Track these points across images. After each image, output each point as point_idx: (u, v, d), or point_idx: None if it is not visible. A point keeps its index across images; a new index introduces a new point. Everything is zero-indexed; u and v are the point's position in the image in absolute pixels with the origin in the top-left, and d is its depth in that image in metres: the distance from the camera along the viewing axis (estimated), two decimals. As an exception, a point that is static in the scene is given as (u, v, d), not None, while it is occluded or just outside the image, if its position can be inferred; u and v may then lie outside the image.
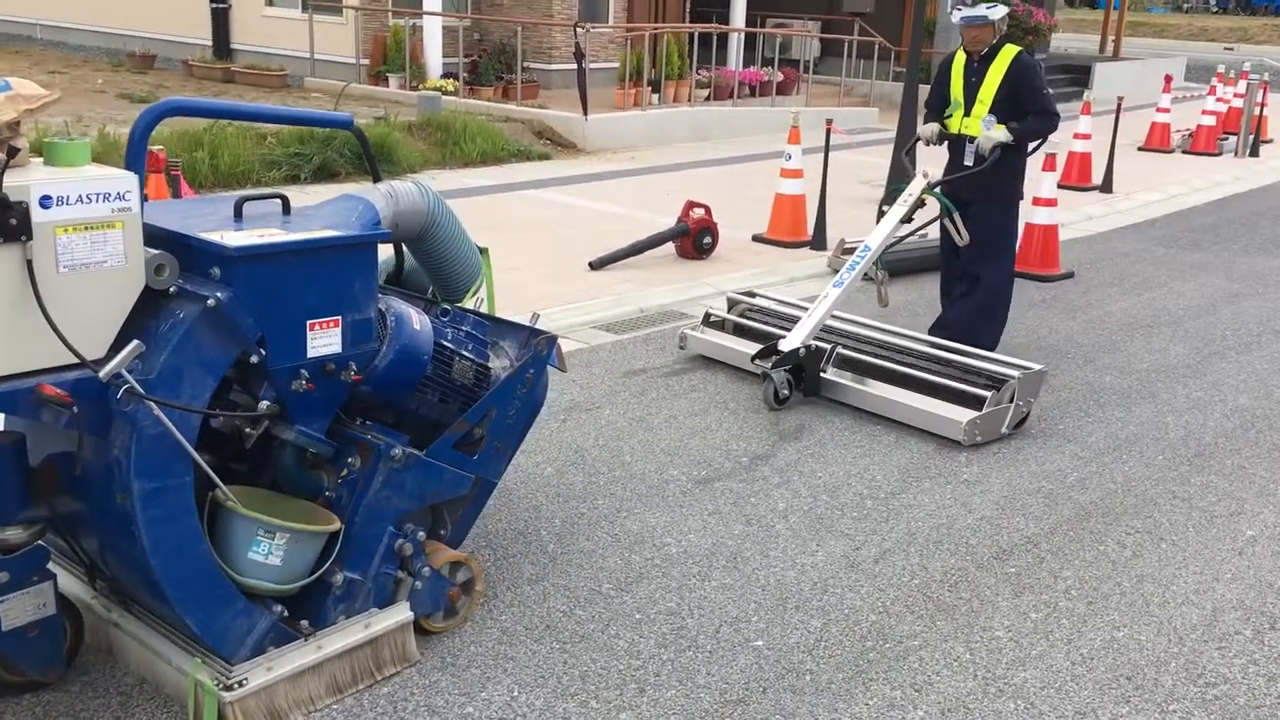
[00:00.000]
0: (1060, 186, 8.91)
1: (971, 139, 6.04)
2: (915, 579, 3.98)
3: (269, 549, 2.95)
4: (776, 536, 4.24)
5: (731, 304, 6.54)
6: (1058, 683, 3.40)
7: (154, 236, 2.88)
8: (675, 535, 4.21)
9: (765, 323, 6.24)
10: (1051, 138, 6.23)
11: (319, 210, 3.42)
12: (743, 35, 17.79)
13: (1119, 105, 12.60)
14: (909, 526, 4.38)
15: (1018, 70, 5.92)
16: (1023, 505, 4.61)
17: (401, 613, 3.28)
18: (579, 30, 13.55)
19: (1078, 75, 21.70)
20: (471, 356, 3.55)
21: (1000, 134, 5.88)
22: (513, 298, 7.17)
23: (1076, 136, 12.24)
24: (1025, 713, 3.24)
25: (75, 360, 2.64)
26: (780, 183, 9.15)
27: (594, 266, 8.05)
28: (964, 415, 5.10)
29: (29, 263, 2.56)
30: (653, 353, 6.34)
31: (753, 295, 6.54)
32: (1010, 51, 5.98)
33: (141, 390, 2.65)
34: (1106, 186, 12.06)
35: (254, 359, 2.91)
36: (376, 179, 3.67)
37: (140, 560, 2.79)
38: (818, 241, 8.94)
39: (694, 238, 8.38)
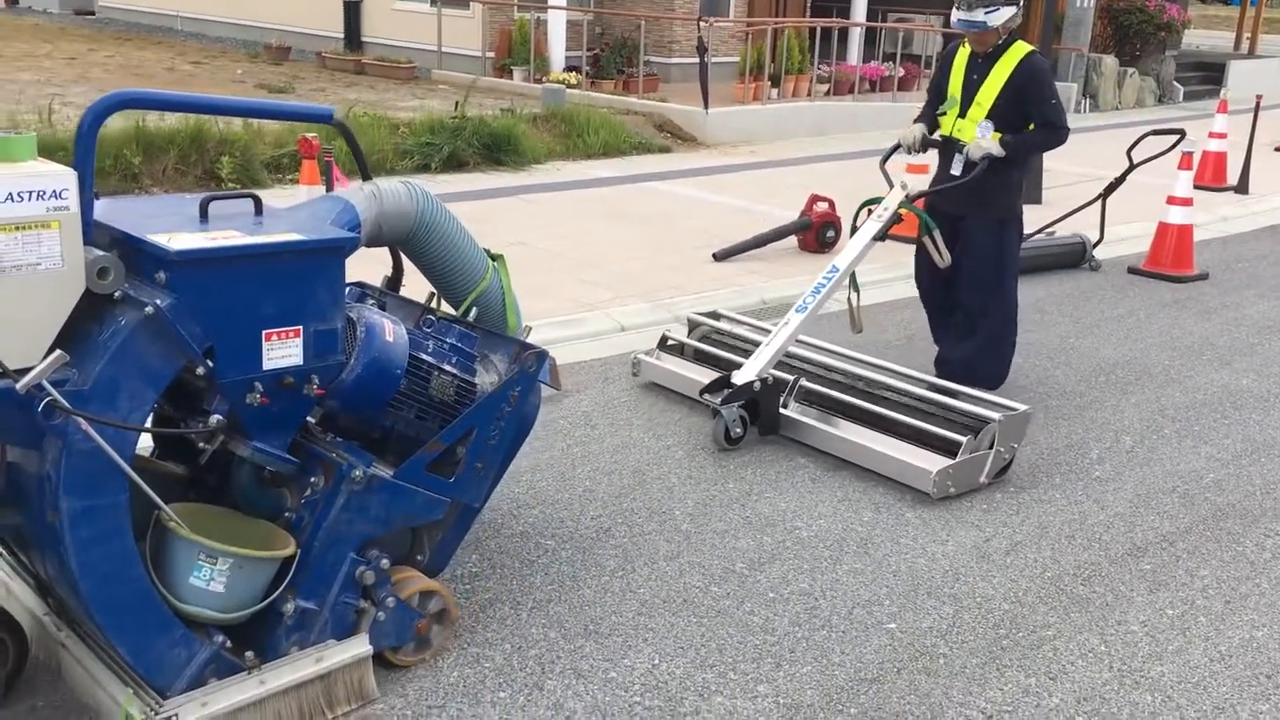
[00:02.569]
0: (1195, 186, 8.68)
1: (963, 146, 5.35)
2: (1048, 571, 3.99)
3: (210, 574, 2.75)
4: (906, 524, 4.29)
5: (692, 326, 5.87)
6: (1195, 678, 3.39)
7: (105, 236, 2.73)
8: (806, 520, 4.29)
9: (729, 349, 5.55)
10: (1189, 136, 5.91)
11: (295, 211, 3.26)
12: (864, 30, 17.66)
13: (1258, 104, 12.21)
14: (1040, 520, 4.38)
15: (1026, 74, 5.22)
16: (1157, 504, 4.57)
17: (359, 646, 3.02)
18: (701, 25, 13.63)
19: (1210, 73, 21.04)
20: (454, 371, 3.28)
21: (992, 146, 5.22)
22: (636, 287, 7.33)
23: (1212, 135, 11.91)
24: (1162, 705, 3.25)
25: None
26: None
27: (717, 258, 8.14)
28: (934, 464, 4.46)
29: None
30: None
31: (717, 317, 5.89)
32: (1020, 50, 5.28)
33: (66, 403, 2.47)
34: (1242, 187, 11.72)
35: (200, 370, 2.70)
36: (366, 177, 3.45)
37: (70, 582, 2.62)
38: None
39: (817, 231, 8.42)
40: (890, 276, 7.58)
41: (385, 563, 3.07)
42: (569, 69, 15.15)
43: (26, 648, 3.00)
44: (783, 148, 13.39)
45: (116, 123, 9.29)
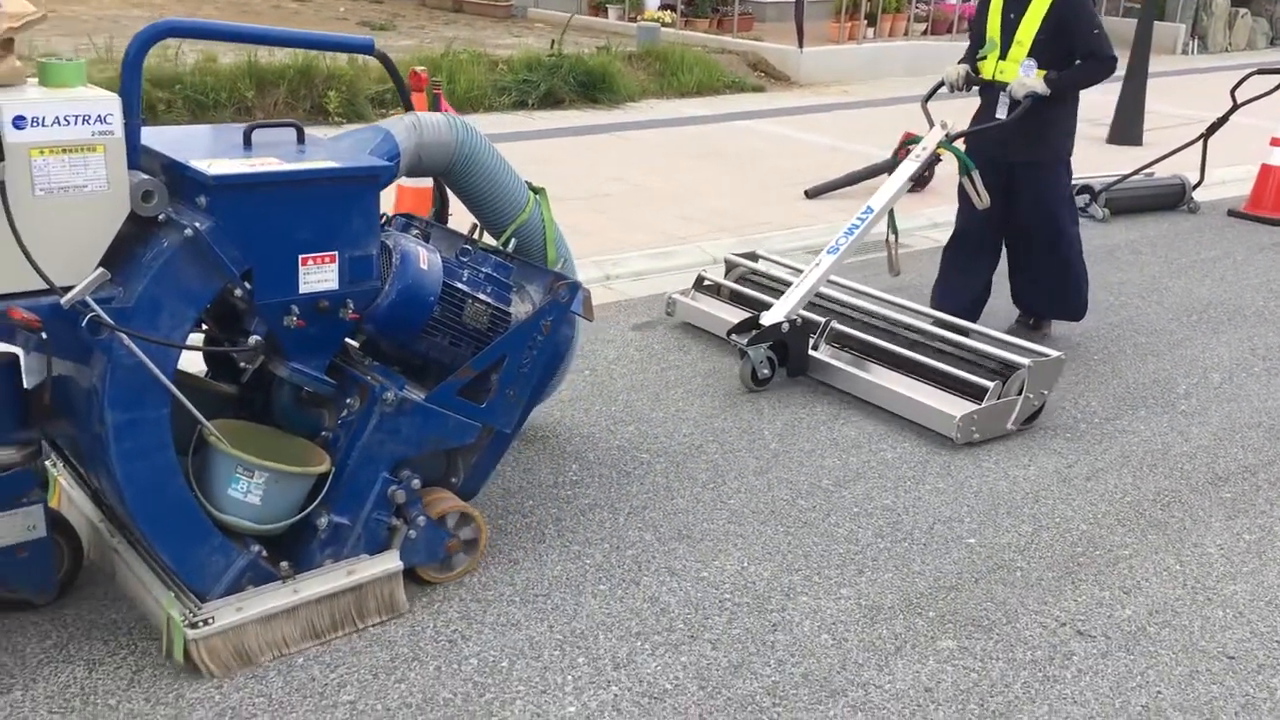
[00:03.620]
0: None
1: (1005, 86, 5.18)
2: (1127, 496, 4.11)
3: (248, 487, 2.86)
4: (989, 450, 4.43)
5: (729, 267, 5.83)
6: (1268, 597, 3.50)
7: (153, 162, 2.82)
8: (891, 442, 4.45)
9: (765, 291, 5.46)
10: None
11: (337, 141, 3.32)
12: (964, -32, 17.34)
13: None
14: (1123, 450, 4.48)
15: (1064, 6, 5.01)
16: (1242, 438, 4.63)
17: (390, 561, 3.13)
18: (798, -38, 13.55)
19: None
20: (488, 300, 3.31)
21: (1036, 84, 5.04)
22: (729, 222, 7.48)
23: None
24: (1234, 620, 3.37)
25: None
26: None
27: (809, 195, 8.25)
28: (959, 409, 4.44)
29: (1, 184, 2.48)
30: (868, 277, 6.50)
31: (754, 258, 5.82)
32: None
33: (109, 319, 2.57)
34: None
35: (238, 292, 2.79)
36: (407, 107, 3.52)
37: (116, 492, 2.75)
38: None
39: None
40: (916, 225, 7.58)
41: (416, 483, 3.15)
42: (663, 7, 15.20)
43: (81, 552, 3.16)
44: (877, 87, 13.31)
45: (230, 58, 9.65)
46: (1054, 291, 5.52)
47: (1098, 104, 11.94)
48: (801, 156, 9.48)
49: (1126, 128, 10.68)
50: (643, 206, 7.73)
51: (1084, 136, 10.63)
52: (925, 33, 15.44)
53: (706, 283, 5.66)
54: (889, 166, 8.46)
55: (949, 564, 3.62)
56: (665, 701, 2.90)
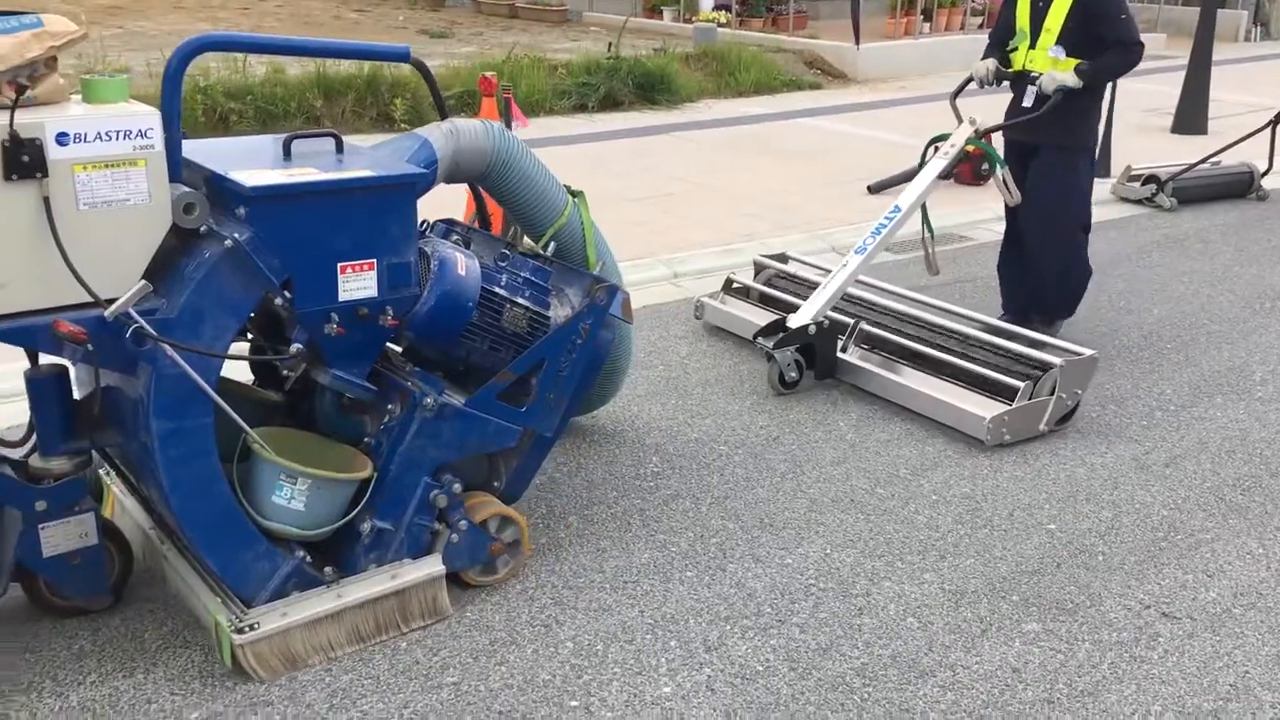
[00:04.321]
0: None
1: (1036, 77, 5.12)
2: (1206, 482, 4.11)
3: (291, 493, 2.90)
4: (1065, 438, 4.46)
5: (758, 269, 5.73)
6: (1355, 580, 3.51)
7: (195, 175, 2.88)
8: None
9: (795, 293, 5.37)
10: None
11: (375, 149, 3.36)
12: (1019, -40, 17.22)
13: None
14: (1200, 436, 4.49)
15: None
16: (1322, 423, 4.63)
17: (433, 565, 3.16)
18: (852, -41, 13.55)
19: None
20: (526, 304, 3.33)
21: (1066, 77, 4.98)
22: (792, 219, 7.54)
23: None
24: (1320, 603, 3.39)
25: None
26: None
27: (872, 190, 8.28)
28: (989, 411, 4.35)
29: (46, 200, 2.52)
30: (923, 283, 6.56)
31: (785, 260, 5.73)
32: None
33: (152, 330, 2.61)
34: None
35: (279, 301, 2.83)
36: (443, 115, 3.54)
37: (163, 499, 2.80)
38: (1101, 168, 8.81)
39: (973, 164, 8.43)
40: (979, 218, 7.56)
41: (458, 487, 3.18)
42: (718, 8, 15.25)
43: (131, 559, 3.23)
44: (934, 82, 13.26)
45: (297, 69, 9.88)
46: (1042, 285, 5.36)
47: (1161, 94, 11.86)
48: (862, 152, 9.51)
49: (1191, 117, 10.57)
50: (706, 205, 7.81)
51: (1149, 127, 10.64)
52: (981, 26, 15.34)
53: (736, 285, 5.61)
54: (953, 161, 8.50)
55: (1030, 549, 3.66)
56: (757, 682, 2.98)
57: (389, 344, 3.22)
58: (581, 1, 16.47)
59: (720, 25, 14.23)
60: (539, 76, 10.81)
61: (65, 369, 2.89)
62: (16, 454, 2.95)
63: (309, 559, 2.99)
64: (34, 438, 2.93)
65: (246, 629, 2.86)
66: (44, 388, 2.86)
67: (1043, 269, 5.34)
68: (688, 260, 6.62)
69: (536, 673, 3.00)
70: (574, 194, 3.75)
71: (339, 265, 2.86)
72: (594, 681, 2.97)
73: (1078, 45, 5.02)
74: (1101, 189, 8.44)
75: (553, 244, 3.65)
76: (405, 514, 3.10)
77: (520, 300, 3.33)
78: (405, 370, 3.19)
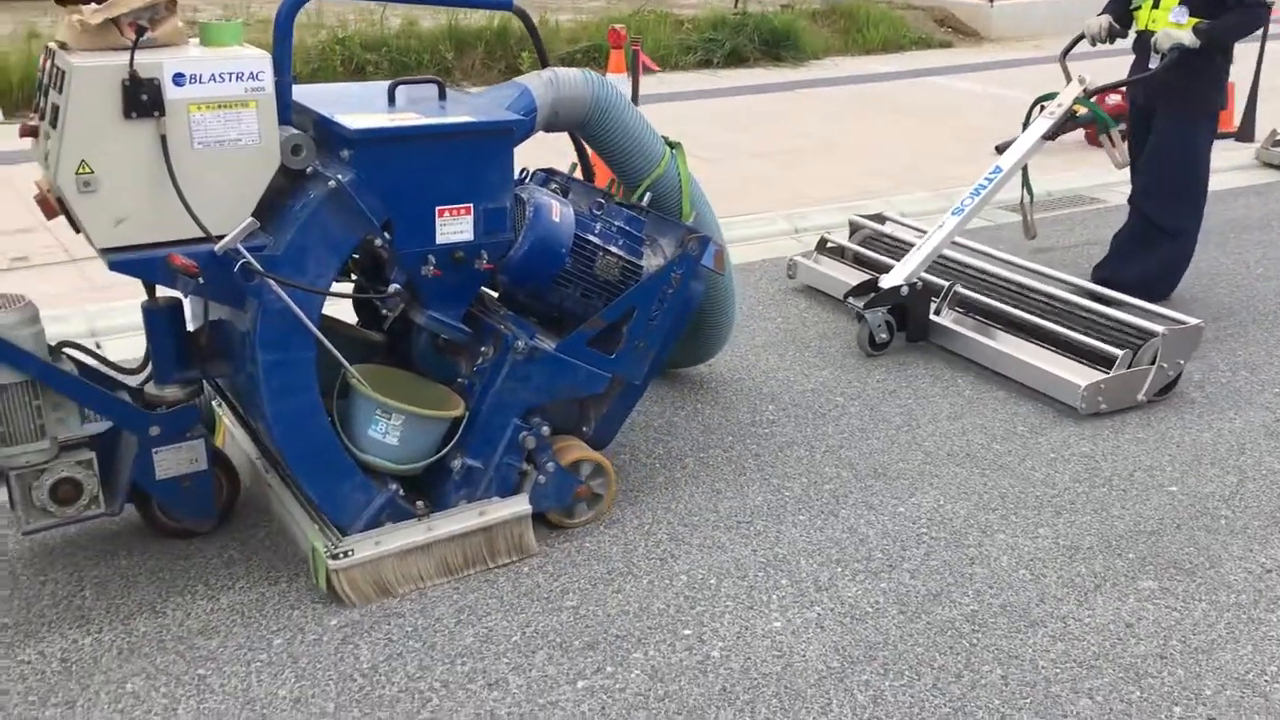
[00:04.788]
0: None
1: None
2: (1340, 451, 4.01)
3: (386, 428, 2.99)
4: (1191, 403, 4.37)
5: (854, 229, 5.68)
6: None
7: (305, 118, 2.95)
8: (1089, 392, 4.44)
9: (890, 254, 5.25)
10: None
11: (476, 97, 3.41)
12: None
13: None
14: (1335, 405, 4.36)
15: None
16: None
17: (520, 504, 3.22)
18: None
19: None
20: (619, 253, 3.36)
21: (1183, 35, 4.78)
22: (918, 177, 7.45)
23: None
24: None
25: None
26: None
27: (999, 150, 8.11)
28: (1085, 378, 4.23)
29: (163, 138, 2.61)
30: (1060, 233, 6.43)
31: (881, 220, 5.67)
32: None
33: (258, 265, 2.70)
34: None
35: (378, 242, 2.91)
36: (544, 63, 3.56)
37: (267, 428, 2.92)
38: (1244, 132, 8.48)
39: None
40: (1110, 180, 7.32)
41: (546, 430, 3.24)
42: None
43: (238, 485, 3.39)
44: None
45: (429, 22, 10.10)
46: (1151, 262, 5.16)
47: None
48: (991, 113, 9.30)
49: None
50: (830, 162, 7.77)
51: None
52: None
53: (830, 244, 5.56)
54: (1084, 121, 8.28)
55: (1149, 509, 3.62)
56: (867, 622, 3.04)
57: (486, 289, 3.29)
58: (710, -43, 16.37)
59: (851, -19, 14.02)
60: (665, 32, 10.83)
61: (179, 302, 3.02)
62: (133, 381, 3.11)
63: (402, 493, 3.09)
64: (149, 367, 3.08)
65: (341, 555, 2.98)
66: (159, 319, 3.00)
67: (1146, 250, 5.17)
68: (809, 215, 6.61)
69: (651, 602, 3.10)
70: (671, 145, 3.75)
71: (437, 208, 2.93)
72: (706, 613, 3.06)
73: (1201, 7, 4.84)
74: (1245, 154, 8.15)
75: (648, 194, 3.65)
76: (495, 454, 3.18)
77: (613, 249, 3.36)
78: (499, 314, 3.26)
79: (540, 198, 3.23)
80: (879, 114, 9.26)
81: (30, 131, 2.82)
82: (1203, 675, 2.85)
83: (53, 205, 2.72)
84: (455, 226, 2.96)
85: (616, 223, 3.45)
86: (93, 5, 2.66)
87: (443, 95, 3.20)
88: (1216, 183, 7.12)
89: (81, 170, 2.58)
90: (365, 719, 2.64)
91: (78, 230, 2.72)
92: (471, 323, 3.18)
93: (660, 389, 4.37)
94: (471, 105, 3.20)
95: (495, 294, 3.42)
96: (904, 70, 11.10)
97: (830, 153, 8.01)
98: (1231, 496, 3.69)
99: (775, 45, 11.13)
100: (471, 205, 2.97)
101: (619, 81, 6.22)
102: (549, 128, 3.51)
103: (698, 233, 3.45)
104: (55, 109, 2.61)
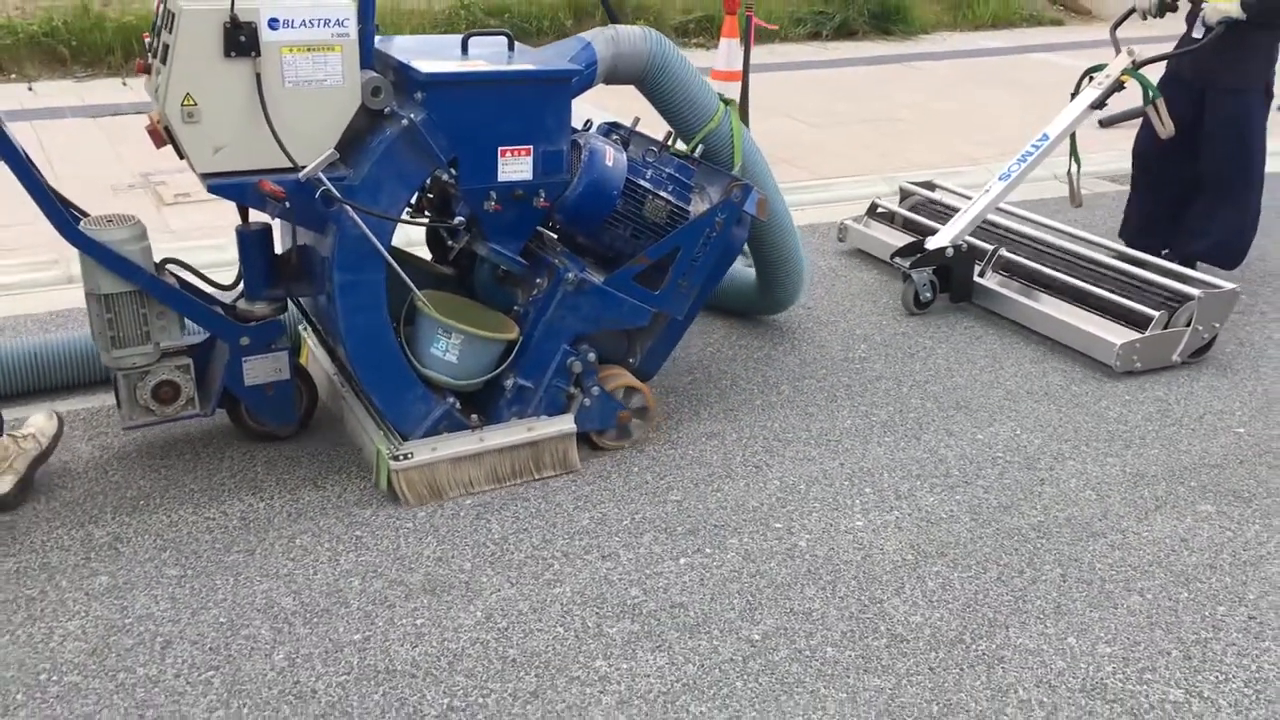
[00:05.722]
0: None
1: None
2: None
3: (446, 346, 3.25)
4: (1266, 356, 4.55)
5: (904, 195, 5.84)
6: None
7: (385, 64, 3.19)
8: (1169, 344, 4.66)
9: (938, 219, 5.39)
10: None
11: (542, 50, 3.64)
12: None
13: None
14: None
15: None
16: None
17: (565, 423, 3.48)
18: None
19: None
20: (667, 197, 3.56)
21: (1230, 7, 4.76)
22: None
23: None
24: None
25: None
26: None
27: (1103, 125, 8.24)
28: (1120, 337, 4.36)
29: (258, 76, 2.87)
30: (1107, 202, 6.59)
31: (932, 188, 5.81)
32: None
33: (336, 192, 2.94)
34: None
35: (445, 177, 3.17)
36: (612, 21, 3.82)
37: (341, 342, 3.19)
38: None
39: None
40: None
41: (592, 357, 3.48)
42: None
43: (316, 397, 3.71)
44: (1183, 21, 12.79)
45: (547, -9, 10.52)
46: (1218, 231, 5.15)
47: None
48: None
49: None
50: (934, 131, 7.96)
51: None
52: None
53: (880, 210, 5.70)
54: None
55: (1216, 447, 3.86)
56: (940, 526, 3.36)
57: (543, 228, 3.54)
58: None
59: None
60: (775, 4, 11.08)
61: (269, 226, 3.30)
62: (227, 297, 3.45)
63: (459, 406, 3.37)
64: (241, 284, 3.40)
65: (401, 457, 3.28)
66: (250, 241, 3.29)
67: (1216, 223, 5.16)
68: (909, 177, 6.87)
69: (746, 500, 3.47)
70: (725, 101, 3.93)
71: (499, 149, 3.16)
72: (796, 511, 3.42)
73: None
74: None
75: (701, 146, 3.86)
76: (544, 376, 3.43)
77: (662, 194, 3.56)
78: (555, 250, 3.49)
79: (596, 144, 3.45)
80: (986, 88, 9.39)
81: (145, 68, 3.15)
82: (1248, 583, 3.12)
83: (161, 135, 3.04)
84: (516, 166, 3.20)
85: (667, 170, 3.66)
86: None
87: (511, 47, 3.45)
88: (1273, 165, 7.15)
89: (186, 102, 2.87)
90: (497, 577, 3.06)
91: (181, 157, 3.03)
92: (529, 257, 3.43)
93: (759, 326, 4.72)
94: (536, 56, 3.44)
95: (553, 234, 3.66)
96: (1013, 46, 11.14)
97: (935, 122, 8.19)
98: (1298, 440, 3.91)
99: (884, 19, 11.26)
100: (531, 147, 3.20)
101: (731, 47, 6.53)
102: (609, 80, 3.73)
103: (741, 180, 3.65)
104: (166, 47, 2.91)
